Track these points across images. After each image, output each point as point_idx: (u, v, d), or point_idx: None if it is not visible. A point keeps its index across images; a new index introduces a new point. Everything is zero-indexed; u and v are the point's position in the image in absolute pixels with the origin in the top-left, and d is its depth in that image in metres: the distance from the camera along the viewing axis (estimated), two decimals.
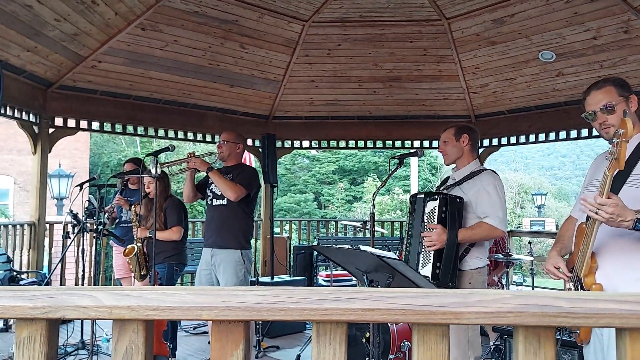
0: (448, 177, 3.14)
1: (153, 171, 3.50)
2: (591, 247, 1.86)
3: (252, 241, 4.37)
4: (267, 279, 5.64)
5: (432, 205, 2.76)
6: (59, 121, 5.68)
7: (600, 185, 1.81)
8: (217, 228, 3.75)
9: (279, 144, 6.92)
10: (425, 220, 2.78)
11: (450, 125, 3.10)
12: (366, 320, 0.77)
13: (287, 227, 8.41)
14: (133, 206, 4.23)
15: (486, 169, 2.95)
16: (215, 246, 3.74)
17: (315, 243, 7.79)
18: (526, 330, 0.83)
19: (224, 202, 3.75)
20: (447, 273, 2.66)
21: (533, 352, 0.84)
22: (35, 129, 5.47)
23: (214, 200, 3.82)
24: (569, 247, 2.14)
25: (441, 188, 3.02)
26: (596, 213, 1.77)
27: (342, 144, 7.23)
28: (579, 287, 1.91)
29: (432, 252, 2.70)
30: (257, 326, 4.70)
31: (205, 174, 3.83)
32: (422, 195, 2.87)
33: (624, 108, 1.96)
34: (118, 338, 0.73)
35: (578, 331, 2.00)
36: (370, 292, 0.77)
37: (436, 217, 2.72)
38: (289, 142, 7.24)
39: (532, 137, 6.48)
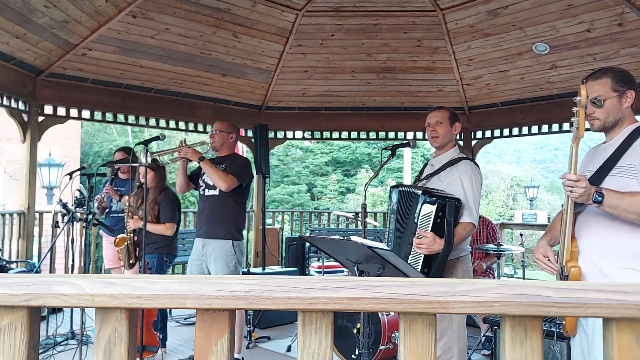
0: (427, 161, 3.05)
1: (143, 160, 3.48)
2: (568, 230, 1.87)
3: (244, 232, 4.36)
4: (259, 270, 5.64)
5: (429, 209, 2.56)
6: (48, 109, 5.61)
7: (568, 159, 1.83)
8: (209, 218, 3.75)
9: (271, 134, 6.89)
10: (418, 223, 2.58)
11: (441, 106, 2.95)
12: (352, 309, 0.76)
13: (279, 218, 8.40)
14: (127, 196, 4.21)
15: (465, 158, 2.82)
16: (207, 236, 3.74)
17: (307, 234, 7.80)
18: (513, 320, 0.83)
19: (216, 192, 3.74)
20: (435, 276, 2.57)
21: (520, 342, 0.84)
22: (25, 117, 5.40)
23: (206, 190, 3.81)
24: (559, 238, 2.15)
25: (421, 178, 2.92)
26: (570, 191, 1.80)
27: (335, 135, 7.21)
28: (562, 274, 1.91)
29: (423, 257, 2.56)
30: (248, 317, 4.70)
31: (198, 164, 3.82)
32: (419, 193, 2.63)
33: (614, 103, 1.96)
34: (100, 326, 0.72)
35: (564, 322, 2.00)
36: (357, 281, 0.76)
37: (431, 222, 2.54)
38: (282, 133, 7.21)
39: (525, 130, 6.49)
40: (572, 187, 1.78)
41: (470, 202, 2.67)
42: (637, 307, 0.81)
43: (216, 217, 3.72)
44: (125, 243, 4.10)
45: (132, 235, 4.12)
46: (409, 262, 2.59)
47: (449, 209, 2.55)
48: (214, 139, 3.87)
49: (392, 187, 2.93)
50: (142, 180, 4.17)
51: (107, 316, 0.72)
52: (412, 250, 2.61)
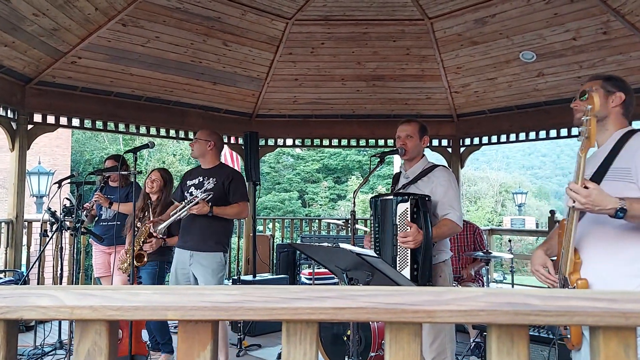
0: (399, 174, 3.12)
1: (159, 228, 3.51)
2: (573, 241, 1.82)
3: (235, 239, 4.35)
4: (249, 277, 5.61)
5: (404, 207, 2.68)
6: (37, 117, 5.57)
7: (575, 169, 1.78)
8: (200, 231, 3.69)
9: (262, 142, 6.89)
10: (398, 223, 2.70)
11: (410, 119, 3.04)
12: (337, 319, 0.75)
13: (270, 225, 8.38)
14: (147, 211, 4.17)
15: (437, 165, 2.95)
16: (196, 249, 3.70)
17: (298, 241, 7.78)
18: (499, 329, 0.83)
19: (204, 196, 3.71)
20: (425, 274, 2.64)
21: (506, 352, 0.83)
22: (13, 125, 5.36)
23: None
24: (556, 250, 2.11)
25: (398, 187, 3.00)
26: (573, 201, 1.75)
27: (326, 142, 7.22)
28: (565, 286, 1.85)
29: (409, 254, 2.63)
30: (239, 325, 4.67)
31: (178, 186, 3.96)
32: (391, 197, 2.77)
33: (601, 99, 1.96)
34: (80, 339, 0.71)
35: (569, 336, 1.93)
36: (342, 291, 0.75)
37: (409, 217, 2.67)
38: (272, 140, 7.21)
39: (512, 137, 6.54)
40: (574, 198, 1.74)
41: (454, 203, 2.80)
42: (623, 315, 0.81)
43: (207, 230, 3.68)
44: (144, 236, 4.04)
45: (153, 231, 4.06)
46: (397, 261, 2.67)
47: (421, 203, 2.69)
48: (192, 147, 3.86)
49: (371, 197, 2.98)
50: (150, 186, 4.16)
51: (87, 329, 0.70)
52: (399, 250, 2.68)
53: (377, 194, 4.11)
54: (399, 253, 2.68)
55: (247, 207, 3.80)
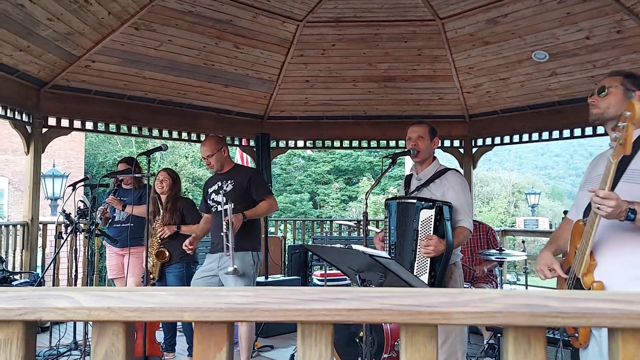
0: (410, 176, 3.10)
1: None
2: (591, 244, 1.81)
3: None
4: (262, 279, 5.63)
5: (428, 214, 2.67)
6: (52, 121, 5.64)
7: (603, 175, 1.73)
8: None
9: (273, 143, 6.90)
10: (419, 229, 2.68)
11: (420, 121, 3.04)
12: (352, 321, 0.75)
13: (282, 226, 8.39)
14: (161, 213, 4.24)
15: (450, 169, 2.94)
16: (224, 249, 3.68)
17: (310, 242, 7.78)
18: (515, 330, 0.82)
19: (231, 206, 3.72)
20: (441, 280, 2.65)
21: (523, 353, 0.83)
22: (28, 128, 5.43)
23: (218, 207, 3.78)
24: (564, 249, 2.11)
25: (411, 190, 2.99)
26: (598, 208, 1.72)
27: (337, 143, 7.21)
28: (578, 286, 1.86)
29: (429, 262, 2.64)
30: None
31: (202, 199, 3.99)
32: (414, 201, 2.75)
33: (619, 97, 1.93)
34: (97, 340, 0.72)
35: (576, 334, 1.95)
36: (356, 292, 0.75)
37: (432, 225, 2.65)
38: (284, 142, 7.22)
39: (525, 137, 6.49)
40: (600, 204, 1.71)
41: (467, 209, 2.80)
42: None
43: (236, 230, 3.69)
44: (166, 254, 4.13)
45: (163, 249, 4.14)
46: (415, 269, 2.67)
47: (445, 211, 2.68)
48: (209, 163, 3.82)
49: (388, 199, 2.96)
50: (160, 187, 4.21)
51: (104, 330, 0.71)
52: (417, 256, 2.68)
53: (392, 195, 4.08)
54: (417, 259, 2.68)
55: (275, 200, 3.82)
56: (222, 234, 3.56)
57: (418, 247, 2.68)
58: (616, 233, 1.84)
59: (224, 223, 3.50)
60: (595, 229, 1.79)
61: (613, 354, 0.84)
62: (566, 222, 2.22)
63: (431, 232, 2.66)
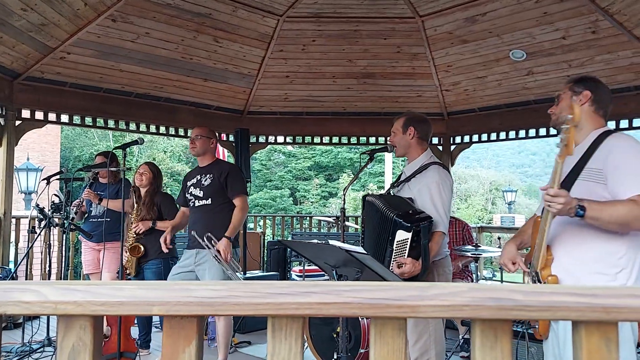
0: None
1: None
2: (546, 240, 1.90)
3: None
4: (240, 275, 5.60)
5: (404, 236, 2.51)
6: (26, 113, 5.52)
7: (552, 174, 1.81)
8: (206, 227, 3.64)
9: (253, 139, 6.87)
10: (394, 249, 2.55)
11: (402, 114, 2.98)
12: (322, 314, 0.76)
13: (261, 222, 8.37)
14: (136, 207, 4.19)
15: (433, 163, 2.80)
16: (201, 246, 3.64)
17: (289, 238, 7.78)
18: (483, 323, 0.83)
19: (208, 201, 3.70)
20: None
21: (489, 346, 0.84)
22: (1, 121, 5.30)
23: (196, 201, 3.75)
24: (529, 243, 2.17)
25: (395, 185, 2.96)
26: (549, 205, 1.80)
27: (317, 139, 7.22)
28: (537, 280, 1.94)
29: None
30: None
31: (180, 192, 3.97)
32: (393, 216, 2.54)
33: (568, 101, 2.03)
34: (64, 335, 0.71)
35: (537, 326, 2.03)
36: (327, 286, 0.76)
37: (407, 248, 2.53)
38: (263, 137, 7.19)
39: (502, 135, 6.58)
40: (550, 202, 1.79)
41: (440, 212, 2.67)
42: (604, 310, 0.82)
43: (212, 225, 3.64)
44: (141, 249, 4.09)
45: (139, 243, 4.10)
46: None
47: (423, 233, 2.54)
48: (194, 144, 3.80)
49: (364, 196, 2.92)
50: (139, 180, 4.18)
51: (71, 324, 0.70)
52: (391, 269, 2.57)
53: (367, 193, 4.09)
54: (391, 269, 2.57)
55: (246, 200, 3.75)
56: (192, 234, 3.58)
57: (391, 265, 2.56)
58: (570, 228, 1.92)
59: (213, 257, 3.51)
60: (549, 225, 1.87)
61: (577, 346, 0.86)
62: (532, 218, 2.29)
63: (406, 254, 2.54)
